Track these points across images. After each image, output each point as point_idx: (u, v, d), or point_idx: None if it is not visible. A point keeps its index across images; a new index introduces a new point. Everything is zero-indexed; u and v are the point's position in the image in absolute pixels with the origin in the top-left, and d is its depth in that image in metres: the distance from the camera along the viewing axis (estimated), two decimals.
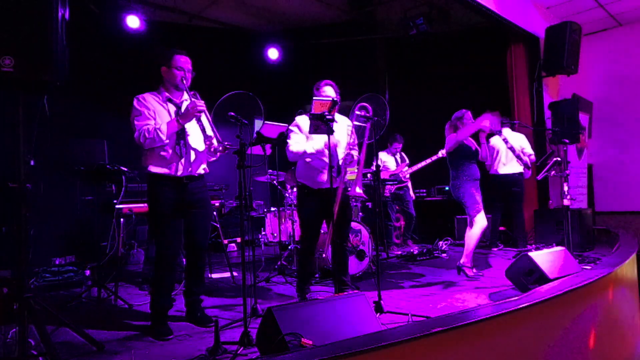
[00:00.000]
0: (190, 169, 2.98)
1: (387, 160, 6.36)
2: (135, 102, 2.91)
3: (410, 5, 6.10)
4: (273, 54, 7.14)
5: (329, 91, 3.49)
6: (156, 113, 2.91)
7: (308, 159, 3.44)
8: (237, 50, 7.33)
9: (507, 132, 5.68)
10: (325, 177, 3.44)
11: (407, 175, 6.23)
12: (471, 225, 4.29)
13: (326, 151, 3.33)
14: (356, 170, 3.48)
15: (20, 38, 2.18)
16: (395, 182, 6.17)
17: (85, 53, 5.16)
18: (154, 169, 2.93)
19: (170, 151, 2.92)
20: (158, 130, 2.80)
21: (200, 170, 3.06)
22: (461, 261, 4.33)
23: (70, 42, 2.42)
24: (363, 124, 3.38)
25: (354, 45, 7.41)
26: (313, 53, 7.50)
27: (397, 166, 6.29)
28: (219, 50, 7.08)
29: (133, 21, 5.62)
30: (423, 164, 6.17)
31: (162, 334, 2.82)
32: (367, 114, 3.39)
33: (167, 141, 2.84)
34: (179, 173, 2.95)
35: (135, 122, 2.87)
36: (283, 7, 6.75)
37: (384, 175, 6.30)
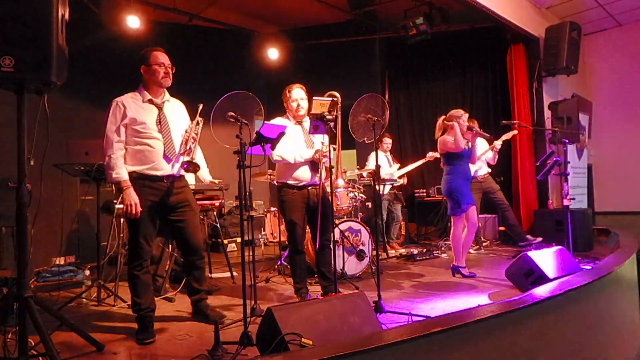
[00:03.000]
0: (172, 168, 2.94)
1: (380, 160, 6.34)
2: (111, 107, 2.87)
3: (410, 5, 6.10)
4: (273, 54, 7.13)
5: (300, 93, 3.54)
6: (137, 113, 2.88)
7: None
8: (237, 50, 7.33)
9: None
10: (308, 173, 3.50)
11: (397, 176, 6.23)
12: (453, 225, 4.35)
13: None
14: (333, 163, 3.50)
15: (20, 38, 2.18)
16: (391, 182, 6.17)
17: (86, 53, 5.17)
18: (131, 167, 2.89)
19: (152, 148, 2.88)
20: (115, 170, 2.78)
21: (182, 171, 3.02)
22: (454, 263, 4.38)
23: (70, 42, 2.42)
24: (334, 115, 3.38)
25: (354, 45, 7.41)
26: (313, 53, 7.49)
27: (390, 166, 6.29)
28: (219, 50, 7.07)
29: (133, 21, 5.62)
30: (413, 166, 6.19)
31: (144, 337, 2.79)
32: (335, 101, 3.40)
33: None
34: (161, 172, 2.91)
35: (107, 132, 2.84)
36: (283, 7, 6.75)
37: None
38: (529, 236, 5.71)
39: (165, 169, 2.92)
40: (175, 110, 3.09)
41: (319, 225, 3.45)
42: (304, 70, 7.26)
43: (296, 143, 3.52)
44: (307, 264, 3.81)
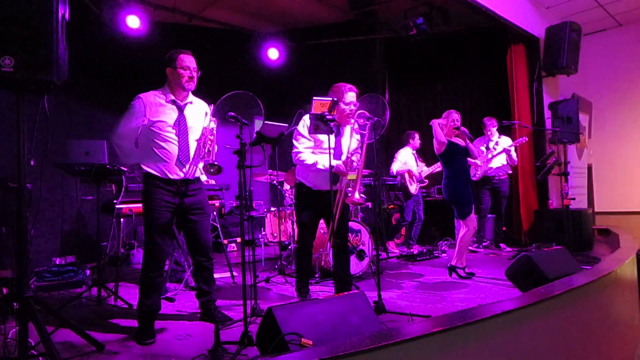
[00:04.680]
0: (187, 171, 2.94)
1: (407, 157, 6.17)
2: (133, 101, 2.90)
3: (410, 5, 6.10)
4: (273, 54, 7.13)
5: (352, 97, 3.47)
6: (157, 112, 2.89)
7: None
8: (237, 50, 7.33)
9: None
10: (326, 183, 3.36)
11: (424, 176, 6.21)
12: (463, 227, 4.33)
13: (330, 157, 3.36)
14: (354, 177, 3.45)
15: (20, 38, 2.18)
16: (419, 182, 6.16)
17: (85, 53, 5.17)
18: (147, 168, 2.91)
19: (167, 151, 2.89)
20: (124, 156, 2.98)
21: (197, 173, 3.03)
22: (453, 262, 4.38)
23: (70, 42, 2.42)
24: (363, 131, 3.38)
25: (354, 45, 7.40)
26: (313, 53, 7.48)
27: (417, 164, 6.22)
28: (219, 50, 7.07)
29: (133, 21, 5.62)
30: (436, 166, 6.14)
31: (144, 338, 2.79)
32: (367, 121, 3.35)
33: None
34: (174, 176, 2.91)
35: (119, 122, 2.91)
36: (283, 7, 6.75)
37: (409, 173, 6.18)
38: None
39: (179, 173, 2.92)
40: (197, 113, 3.05)
41: (335, 228, 3.32)
42: (304, 70, 7.25)
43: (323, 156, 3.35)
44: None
